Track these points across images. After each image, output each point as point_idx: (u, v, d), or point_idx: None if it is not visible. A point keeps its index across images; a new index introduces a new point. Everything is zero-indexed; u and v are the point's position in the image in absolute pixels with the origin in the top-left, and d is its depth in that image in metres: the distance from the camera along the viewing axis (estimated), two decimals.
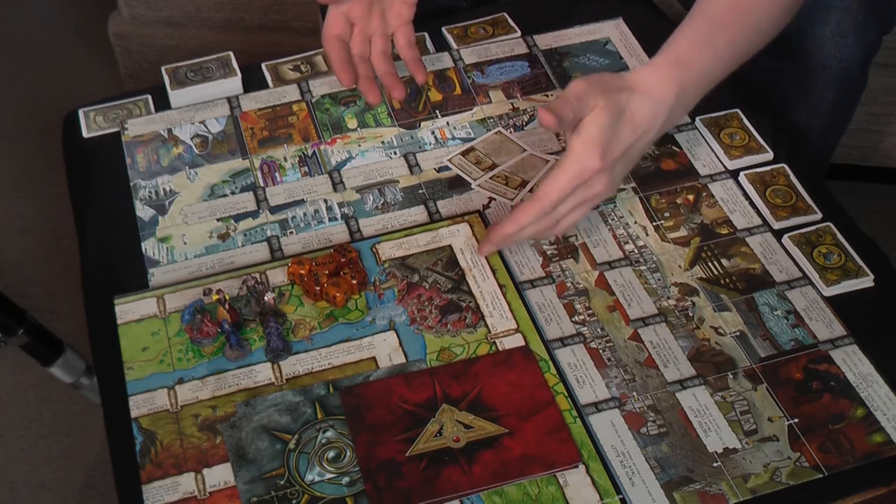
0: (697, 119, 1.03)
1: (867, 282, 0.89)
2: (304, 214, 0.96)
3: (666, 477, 0.77)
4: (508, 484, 0.76)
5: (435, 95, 1.08)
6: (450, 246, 0.92)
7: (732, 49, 0.89)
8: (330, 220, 0.96)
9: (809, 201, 0.95)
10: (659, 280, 0.90)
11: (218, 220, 0.96)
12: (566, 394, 0.81)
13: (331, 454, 0.78)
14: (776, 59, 1.12)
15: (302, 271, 0.88)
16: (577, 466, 0.77)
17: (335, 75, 1.01)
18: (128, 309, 0.88)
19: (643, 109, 0.84)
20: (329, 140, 1.03)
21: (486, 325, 0.86)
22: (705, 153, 1.01)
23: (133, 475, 0.77)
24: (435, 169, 1.00)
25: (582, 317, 0.87)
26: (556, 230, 0.87)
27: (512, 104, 1.06)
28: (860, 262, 0.90)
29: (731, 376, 0.83)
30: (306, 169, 1.00)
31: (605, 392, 0.82)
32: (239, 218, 0.96)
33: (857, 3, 1.07)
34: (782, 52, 1.10)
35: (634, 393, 0.82)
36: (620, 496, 0.76)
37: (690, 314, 0.87)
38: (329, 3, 1.01)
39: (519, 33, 1.15)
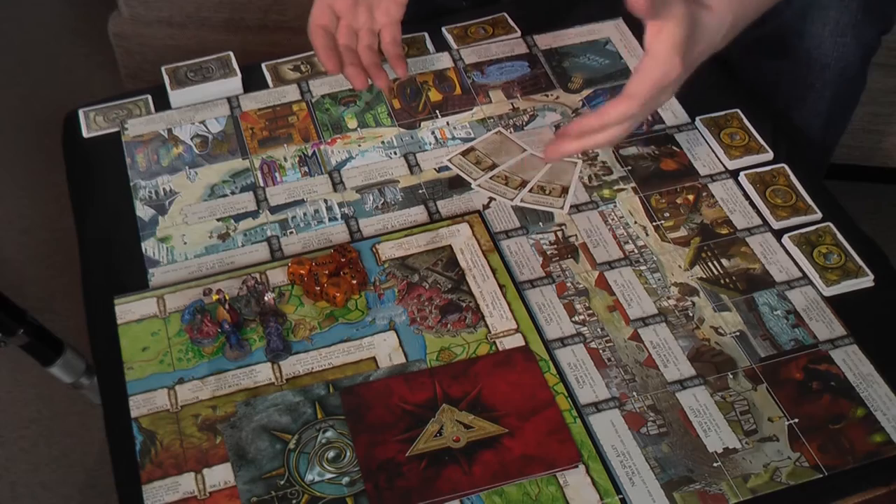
0: (697, 119, 1.03)
1: (867, 282, 0.89)
2: (304, 214, 0.96)
3: (666, 477, 0.77)
4: (508, 484, 0.76)
5: (435, 95, 1.08)
6: (450, 246, 0.92)
7: None
8: (330, 220, 0.96)
9: (809, 201, 0.95)
10: (659, 280, 0.90)
11: (218, 220, 0.96)
12: (566, 394, 0.81)
13: (331, 454, 0.78)
14: (776, 60, 1.12)
15: (302, 271, 0.88)
16: (577, 466, 0.77)
17: (320, 62, 1.01)
18: (128, 309, 0.88)
19: (713, 25, 0.86)
20: (329, 140, 1.03)
21: (486, 325, 0.86)
22: (705, 153, 1.01)
23: (133, 475, 0.77)
24: (435, 169, 1.00)
25: (582, 317, 0.87)
26: (631, 128, 0.86)
27: (512, 104, 1.06)
28: (860, 262, 0.90)
29: (731, 376, 0.83)
30: (306, 169, 1.00)
31: (605, 392, 0.82)
32: (239, 218, 0.96)
33: (856, 3, 1.07)
34: (782, 52, 1.11)
35: (634, 393, 0.82)
36: (620, 496, 0.76)
37: (690, 314, 0.87)
38: None
39: (519, 33, 1.15)
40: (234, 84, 1.08)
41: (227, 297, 0.84)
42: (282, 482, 0.76)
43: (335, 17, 1.02)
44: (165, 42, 1.80)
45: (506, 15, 1.17)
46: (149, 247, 0.94)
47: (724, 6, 0.86)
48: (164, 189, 0.99)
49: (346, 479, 0.76)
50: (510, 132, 1.03)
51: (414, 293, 0.89)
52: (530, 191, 0.97)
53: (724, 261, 0.91)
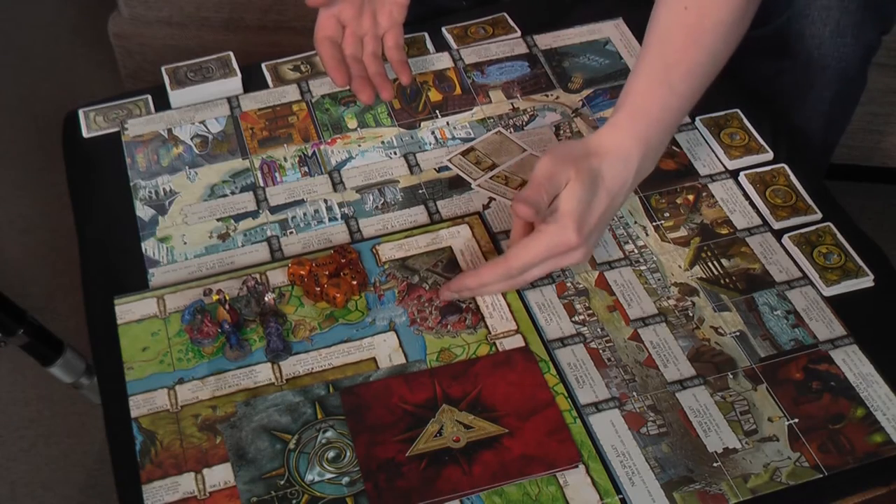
0: (697, 119, 1.03)
1: (867, 282, 0.89)
2: (304, 214, 0.96)
3: (666, 477, 0.77)
4: (508, 484, 0.76)
5: (435, 95, 1.08)
6: (450, 247, 0.92)
7: (689, 83, 0.87)
8: (330, 220, 0.96)
9: (809, 201, 0.95)
10: (659, 280, 0.90)
11: (218, 220, 0.96)
12: (566, 394, 0.81)
13: (331, 454, 0.78)
14: (776, 60, 1.12)
15: (302, 272, 0.88)
16: (577, 466, 0.77)
17: (329, 75, 1.01)
18: (128, 309, 0.88)
19: (614, 172, 0.84)
20: (329, 140, 1.03)
21: (486, 326, 0.86)
22: (705, 153, 1.01)
23: (133, 475, 0.77)
24: (435, 169, 1.00)
25: (582, 317, 0.87)
26: (519, 286, 0.88)
27: (512, 104, 1.06)
28: (860, 262, 0.90)
29: (731, 376, 0.83)
30: (306, 169, 1.00)
31: (605, 392, 0.82)
32: (239, 218, 0.96)
33: (856, 4, 1.07)
34: (782, 52, 1.11)
35: (634, 393, 0.82)
36: (620, 496, 0.76)
37: (690, 314, 0.87)
38: (318, 5, 1.01)
39: (519, 33, 1.15)
40: (234, 84, 1.08)
41: (227, 298, 0.84)
42: (282, 482, 0.76)
43: (340, 27, 1.02)
44: (165, 42, 1.80)
45: (506, 15, 1.17)
46: (149, 247, 0.94)
47: (623, 139, 0.84)
48: (164, 189, 0.99)
49: (346, 479, 0.76)
50: (510, 132, 1.03)
51: (414, 294, 0.89)
52: None
53: (724, 261, 0.91)
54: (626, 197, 0.86)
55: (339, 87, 1.02)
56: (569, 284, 0.90)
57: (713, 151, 1.01)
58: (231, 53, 1.10)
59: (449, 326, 0.86)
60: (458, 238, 0.93)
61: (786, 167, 0.98)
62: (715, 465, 0.77)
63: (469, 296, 0.88)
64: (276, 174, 1.00)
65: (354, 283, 0.87)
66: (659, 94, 0.86)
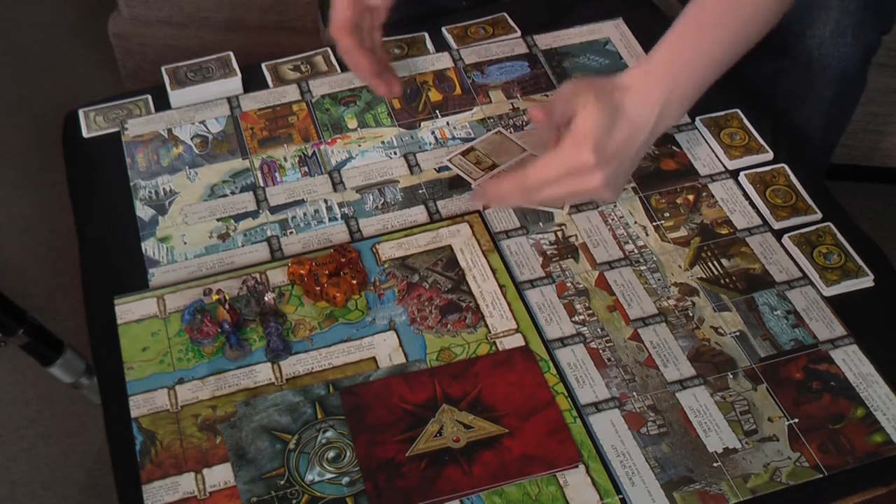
0: (697, 119, 1.03)
1: (867, 282, 0.89)
2: (304, 214, 0.96)
3: (666, 477, 0.77)
4: (508, 484, 0.76)
5: (435, 95, 1.08)
6: (450, 246, 0.92)
7: (724, 46, 0.88)
8: (330, 220, 0.96)
9: (809, 201, 0.95)
10: (659, 280, 0.90)
11: (218, 220, 0.96)
12: (566, 394, 0.81)
13: (331, 454, 0.78)
14: (776, 60, 1.12)
15: (302, 271, 0.88)
16: (577, 466, 0.77)
17: (358, 75, 0.99)
18: (128, 309, 0.88)
19: (636, 107, 0.84)
20: (329, 140, 1.03)
21: (486, 326, 0.86)
22: (705, 153, 1.01)
23: (133, 475, 0.77)
24: (435, 169, 1.00)
25: (582, 317, 0.87)
26: (537, 203, 0.90)
27: (512, 104, 1.06)
28: (860, 262, 0.90)
29: (731, 376, 0.83)
30: (306, 169, 1.00)
31: (605, 392, 0.82)
32: (239, 218, 0.96)
33: (856, 4, 1.07)
34: (782, 52, 1.11)
35: (634, 393, 0.82)
36: (620, 496, 0.76)
37: (690, 314, 0.87)
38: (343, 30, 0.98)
39: (519, 33, 1.15)
40: (234, 84, 1.08)
41: (227, 297, 0.84)
42: (282, 482, 0.76)
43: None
44: (165, 42, 1.80)
45: (506, 15, 1.17)
46: (149, 247, 0.94)
47: (651, 80, 0.85)
48: (164, 189, 0.99)
49: (346, 479, 0.76)
50: (510, 132, 1.03)
51: (414, 293, 0.89)
52: None
53: (724, 261, 0.91)
54: (647, 139, 0.85)
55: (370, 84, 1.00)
56: (569, 284, 0.90)
57: (713, 151, 1.01)
58: (231, 53, 1.10)
59: (449, 326, 0.86)
60: (458, 237, 0.93)
61: (786, 167, 0.98)
62: (715, 465, 0.77)
63: (489, 202, 0.93)
64: (276, 174, 1.00)
65: (354, 282, 0.87)
66: (693, 49, 0.87)
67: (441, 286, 0.89)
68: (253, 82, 1.09)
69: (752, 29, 0.89)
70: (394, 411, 0.80)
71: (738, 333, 0.86)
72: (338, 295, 0.87)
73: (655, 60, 0.87)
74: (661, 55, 0.87)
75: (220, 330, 0.85)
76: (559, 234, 0.94)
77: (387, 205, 0.97)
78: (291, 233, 0.95)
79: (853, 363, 0.84)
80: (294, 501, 0.75)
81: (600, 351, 0.85)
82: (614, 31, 1.14)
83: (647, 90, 0.85)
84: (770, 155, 1.00)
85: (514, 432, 0.78)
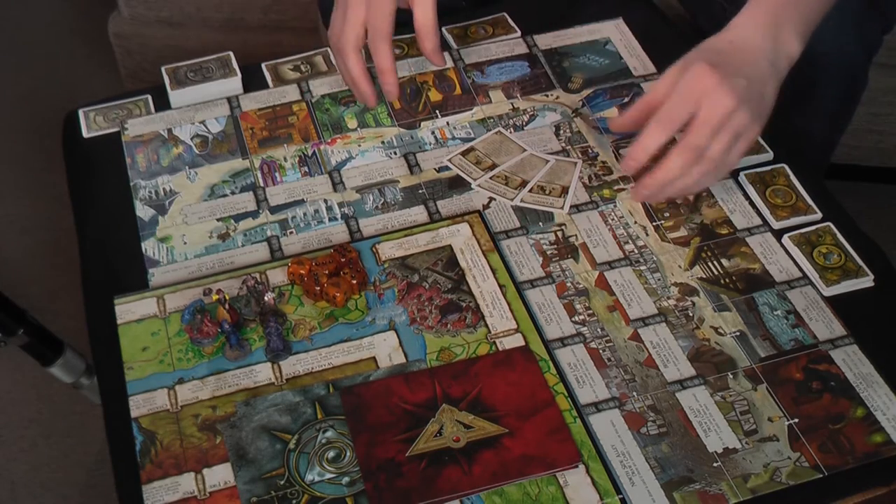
0: None
1: (867, 282, 0.89)
2: (304, 214, 0.96)
3: (666, 477, 0.77)
4: (508, 484, 0.76)
5: (435, 95, 1.08)
6: (450, 246, 0.92)
7: None
8: (330, 220, 0.96)
9: (809, 201, 0.95)
10: (659, 280, 0.90)
11: (218, 220, 0.96)
12: (566, 394, 0.81)
13: (331, 454, 0.78)
14: None
15: (302, 271, 0.88)
16: (577, 466, 0.77)
17: (358, 90, 0.99)
18: (128, 309, 0.88)
19: (742, 39, 0.88)
20: (329, 140, 1.03)
21: (486, 325, 0.86)
22: None
23: (133, 475, 0.77)
24: (435, 169, 1.00)
25: (582, 317, 0.87)
26: (716, 167, 0.89)
27: (512, 104, 1.06)
28: (860, 262, 0.90)
29: (731, 376, 0.83)
30: (306, 169, 1.00)
31: (605, 392, 0.82)
32: (239, 218, 0.96)
33: (858, 2, 1.06)
34: None
35: (634, 393, 0.82)
36: (620, 496, 0.76)
37: (690, 314, 0.87)
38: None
39: (519, 33, 1.15)
40: (234, 84, 1.08)
41: (227, 297, 0.84)
42: (282, 482, 0.76)
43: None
44: (165, 42, 1.81)
45: (506, 15, 1.17)
46: (149, 247, 0.94)
47: (749, 21, 0.89)
48: (164, 189, 0.99)
49: (346, 479, 0.76)
50: (510, 132, 1.03)
51: (414, 293, 0.89)
52: (530, 191, 0.97)
53: (724, 261, 0.91)
54: (771, 63, 0.89)
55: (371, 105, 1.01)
56: (569, 284, 0.90)
57: None
58: (231, 53, 1.10)
59: (449, 326, 0.86)
60: (458, 236, 0.93)
61: (786, 167, 0.98)
62: (715, 465, 0.77)
63: (663, 194, 0.91)
64: (276, 174, 1.00)
65: (354, 282, 0.87)
66: None
67: (441, 286, 0.89)
68: (253, 82, 1.09)
69: None
70: (394, 411, 0.80)
71: (738, 333, 0.86)
72: (338, 295, 0.87)
73: (746, 10, 0.90)
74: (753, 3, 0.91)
75: (220, 330, 0.85)
76: (559, 234, 0.94)
77: (387, 205, 0.97)
78: (291, 233, 0.95)
79: (853, 363, 0.84)
80: (294, 501, 0.75)
81: (600, 351, 0.85)
82: (614, 31, 1.14)
83: (749, 25, 0.89)
84: (770, 155, 1.00)
85: (514, 432, 0.78)
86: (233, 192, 0.98)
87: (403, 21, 1.05)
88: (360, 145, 1.03)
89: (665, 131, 0.87)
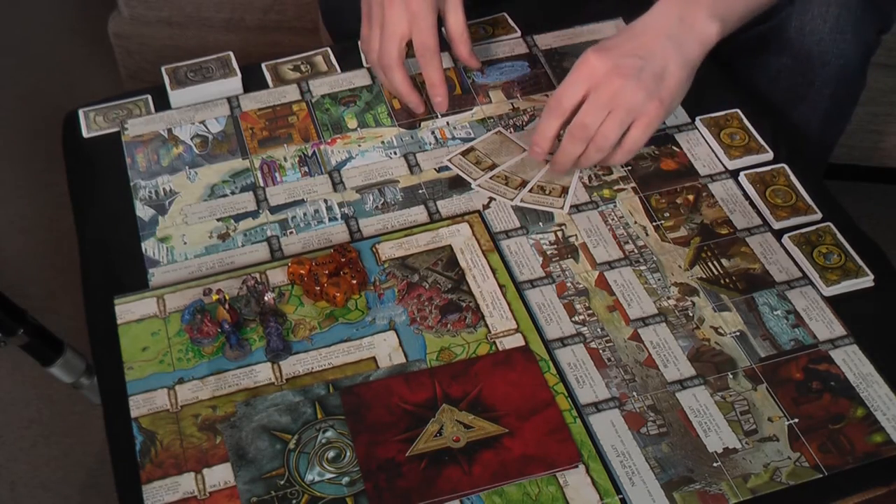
0: (697, 119, 1.03)
1: (867, 282, 0.89)
2: (304, 214, 0.96)
3: (666, 477, 0.77)
4: (508, 484, 0.76)
5: None
6: (450, 246, 0.92)
7: None
8: (330, 220, 0.96)
9: (809, 201, 0.95)
10: (659, 280, 0.90)
11: (218, 220, 0.96)
12: (566, 394, 0.81)
13: (331, 454, 0.78)
14: (774, 58, 1.12)
15: (302, 271, 0.88)
16: (577, 466, 0.77)
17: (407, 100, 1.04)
18: (128, 309, 0.88)
19: (644, 19, 0.91)
20: (329, 140, 1.03)
21: (486, 325, 0.86)
22: (705, 153, 1.01)
23: (133, 475, 0.77)
24: (435, 169, 1.00)
25: (582, 317, 0.87)
26: (609, 143, 0.92)
27: (512, 104, 1.06)
28: (860, 262, 0.90)
29: (731, 376, 0.83)
30: (306, 169, 1.00)
31: (605, 392, 0.82)
32: (239, 218, 0.96)
33: (855, 1, 1.06)
34: (781, 49, 1.10)
35: (634, 393, 0.82)
36: (620, 496, 0.76)
37: (690, 314, 0.87)
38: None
39: (519, 33, 1.15)
40: (234, 84, 1.08)
41: (227, 297, 0.84)
42: (282, 482, 0.76)
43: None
44: (165, 42, 1.80)
45: (506, 15, 1.17)
46: (149, 247, 0.94)
47: (658, 9, 0.91)
48: (164, 189, 0.99)
49: (346, 479, 0.76)
50: (510, 132, 1.03)
51: (414, 293, 0.89)
52: (530, 191, 0.97)
53: (724, 261, 0.91)
54: (667, 38, 0.90)
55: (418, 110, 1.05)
56: (569, 284, 0.90)
57: (713, 151, 1.01)
58: (231, 53, 1.10)
59: (449, 325, 0.86)
60: (458, 236, 0.93)
61: (786, 167, 0.98)
62: (715, 465, 0.77)
63: (544, 150, 0.95)
64: (276, 174, 1.00)
65: (354, 282, 0.87)
66: None
67: (441, 286, 0.89)
68: (253, 82, 1.09)
69: None
70: (394, 411, 0.80)
71: (738, 333, 0.86)
72: (338, 295, 0.87)
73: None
74: None
75: (220, 330, 0.85)
76: (559, 234, 0.94)
77: (387, 205, 0.97)
78: (291, 233, 0.95)
79: (853, 363, 0.84)
80: (294, 501, 0.75)
81: (600, 351, 0.85)
82: (614, 31, 1.14)
83: (656, 11, 0.92)
84: (770, 155, 1.00)
85: (514, 432, 0.78)
86: (233, 192, 0.98)
87: None
88: (360, 145, 1.03)
89: (556, 117, 0.92)
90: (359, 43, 1.05)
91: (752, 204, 0.96)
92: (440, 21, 1.01)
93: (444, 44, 1.13)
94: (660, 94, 0.90)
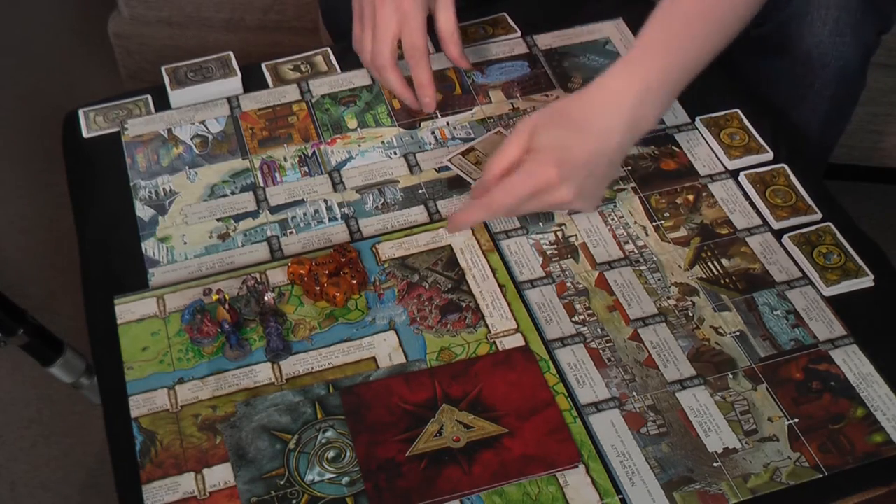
0: (697, 119, 1.03)
1: (867, 282, 0.89)
2: (304, 214, 0.96)
3: (666, 477, 0.77)
4: (508, 484, 0.76)
5: None
6: (450, 246, 0.92)
7: (701, 43, 0.89)
8: (330, 220, 0.96)
9: (809, 201, 0.95)
10: (659, 280, 0.90)
11: (218, 220, 0.96)
12: (566, 394, 0.81)
13: (331, 454, 0.78)
14: (774, 59, 1.12)
15: (302, 271, 0.88)
16: (577, 466, 0.77)
17: (403, 98, 1.03)
18: (128, 309, 0.88)
19: (600, 118, 0.85)
20: (329, 140, 1.03)
21: (486, 325, 0.86)
22: (705, 153, 1.01)
23: (133, 475, 0.77)
24: (435, 169, 1.00)
25: (582, 317, 0.87)
26: (509, 216, 0.93)
27: (512, 104, 1.06)
28: (860, 262, 0.90)
29: (731, 376, 0.83)
30: (306, 169, 1.00)
31: (605, 392, 0.82)
32: (239, 218, 0.96)
33: (855, 2, 1.07)
34: (781, 51, 1.11)
35: (634, 393, 0.82)
36: (620, 496, 0.76)
37: (690, 314, 0.87)
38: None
39: (519, 33, 1.15)
40: (234, 84, 1.08)
41: (227, 297, 0.84)
42: (282, 482, 0.76)
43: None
44: (165, 42, 1.81)
45: (506, 15, 1.17)
46: (149, 247, 0.94)
47: (616, 86, 0.86)
48: (164, 189, 0.99)
49: (346, 479, 0.76)
50: (510, 132, 1.03)
51: (414, 293, 0.89)
52: None
53: (724, 261, 0.91)
54: (620, 145, 0.87)
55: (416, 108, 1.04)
56: (569, 284, 0.90)
57: (713, 151, 1.01)
58: (231, 53, 1.10)
59: (449, 326, 0.86)
60: (458, 237, 0.93)
61: (786, 167, 0.98)
62: (715, 465, 0.77)
63: (461, 228, 0.92)
64: (276, 174, 1.00)
65: (354, 282, 0.87)
66: (667, 46, 0.87)
67: (441, 286, 0.89)
68: (253, 82, 1.09)
69: (726, 27, 0.90)
70: (394, 411, 0.80)
71: (738, 333, 0.86)
72: (338, 295, 0.87)
73: (622, 64, 0.88)
74: (630, 58, 0.88)
75: (220, 330, 0.85)
76: (559, 234, 0.94)
77: (387, 205, 0.97)
78: (291, 233, 0.95)
79: (853, 363, 0.84)
80: (294, 501, 0.75)
81: (600, 351, 0.85)
82: (614, 31, 1.14)
83: (612, 93, 0.86)
84: (770, 155, 1.00)
85: (514, 432, 0.78)
86: (233, 192, 0.98)
87: None
88: (360, 145, 1.03)
89: (487, 215, 0.91)
90: (353, 43, 1.05)
91: (752, 204, 0.96)
92: (432, 21, 1.01)
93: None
94: (590, 198, 0.90)
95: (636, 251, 0.92)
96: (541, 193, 0.86)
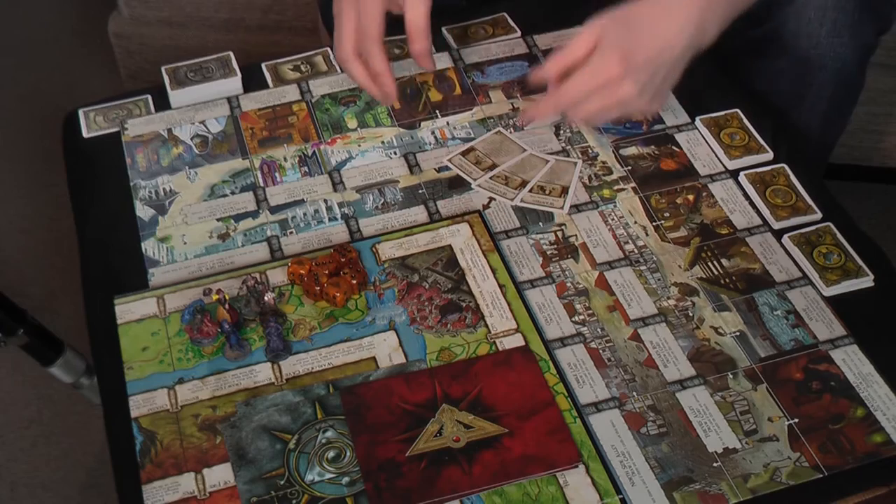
0: (697, 119, 1.03)
1: (867, 282, 0.89)
2: (304, 214, 0.96)
3: (666, 477, 0.77)
4: (508, 484, 0.76)
5: (435, 95, 1.08)
6: (450, 246, 0.92)
7: None
8: (330, 220, 0.96)
9: (809, 201, 0.95)
10: (659, 280, 0.90)
11: (218, 220, 0.96)
12: (566, 394, 0.81)
13: (331, 454, 0.78)
14: (773, 59, 1.12)
15: (302, 271, 0.88)
16: (577, 466, 0.77)
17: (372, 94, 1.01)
18: (128, 309, 0.88)
19: (663, 23, 0.88)
20: (329, 140, 1.03)
21: (486, 325, 0.86)
22: (705, 153, 1.01)
23: (133, 475, 0.77)
24: (435, 169, 1.00)
25: (582, 317, 0.87)
26: (578, 117, 0.95)
27: (512, 104, 1.06)
28: (860, 262, 0.90)
29: (731, 376, 0.83)
30: (306, 169, 1.01)
31: (605, 392, 0.82)
32: (239, 218, 0.96)
33: (853, 3, 1.07)
34: (780, 51, 1.11)
35: (634, 393, 0.82)
36: (620, 496, 0.76)
37: (690, 314, 0.87)
38: None
39: (519, 33, 1.15)
40: (234, 84, 1.08)
41: (227, 297, 0.84)
42: (282, 482, 0.76)
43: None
44: (165, 42, 1.81)
45: (506, 15, 1.17)
46: (149, 247, 0.94)
47: (674, 3, 0.89)
48: (164, 189, 0.99)
49: (346, 479, 0.76)
50: (510, 132, 1.03)
51: (414, 293, 0.89)
52: (530, 191, 0.97)
53: (724, 261, 0.91)
54: (684, 47, 0.89)
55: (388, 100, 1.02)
56: (569, 284, 0.90)
57: (713, 151, 1.01)
58: (231, 53, 1.10)
59: (449, 326, 0.86)
60: (458, 236, 0.93)
61: (786, 167, 0.98)
62: (715, 465, 0.77)
63: (533, 121, 1.01)
64: (276, 174, 1.00)
65: (354, 282, 0.87)
66: None
67: (441, 286, 0.89)
68: (253, 82, 1.09)
69: None
70: (394, 411, 0.80)
71: (738, 333, 0.86)
72: (338, 295, 0.87)
73: None
74: None
75: (220, 330, 0.85)
76: (559, 234, 0.94)
77: (387, 205, 0.97)
78: (291, 233, 0.95)
79: (853, 363, 0.84)
80: (294, 501, 0.75)
81: (600, 351, 0.85)
82: None
83: (678, 5, 0.89)
84: (770, 155, 1.00)
85: (514, 432, 0.78)
86: (233, 192, 0.98)
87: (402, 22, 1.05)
88: (360, 145, 1.03)
89: (557, 109, 0.95)
90: None
91: (752, 204, 0.96)
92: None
93: (442, 43, 1.14)
94: (654, 95, 0.91)
95: (636, 251, 0.92)
96: (605, 89, 0.88)
